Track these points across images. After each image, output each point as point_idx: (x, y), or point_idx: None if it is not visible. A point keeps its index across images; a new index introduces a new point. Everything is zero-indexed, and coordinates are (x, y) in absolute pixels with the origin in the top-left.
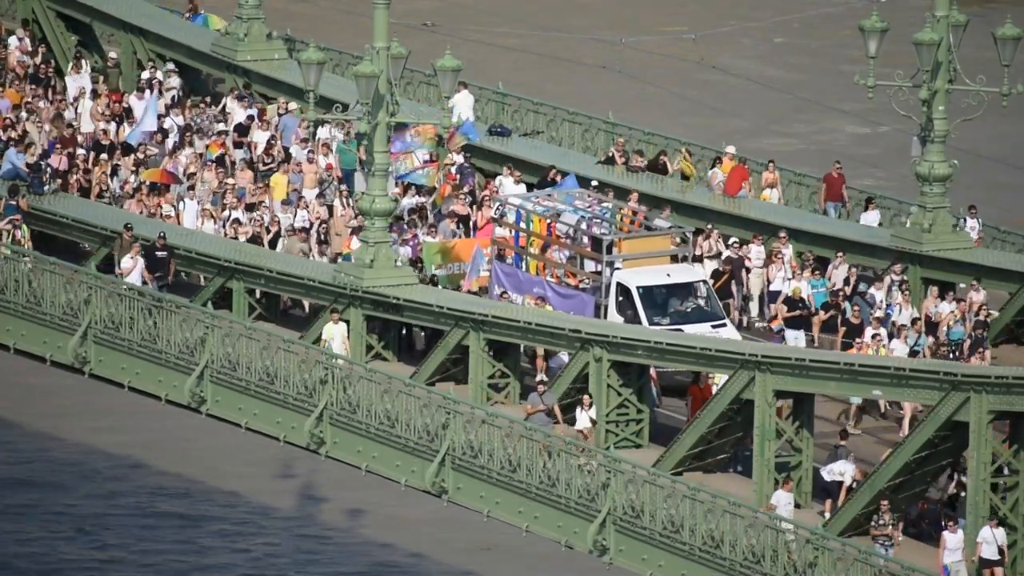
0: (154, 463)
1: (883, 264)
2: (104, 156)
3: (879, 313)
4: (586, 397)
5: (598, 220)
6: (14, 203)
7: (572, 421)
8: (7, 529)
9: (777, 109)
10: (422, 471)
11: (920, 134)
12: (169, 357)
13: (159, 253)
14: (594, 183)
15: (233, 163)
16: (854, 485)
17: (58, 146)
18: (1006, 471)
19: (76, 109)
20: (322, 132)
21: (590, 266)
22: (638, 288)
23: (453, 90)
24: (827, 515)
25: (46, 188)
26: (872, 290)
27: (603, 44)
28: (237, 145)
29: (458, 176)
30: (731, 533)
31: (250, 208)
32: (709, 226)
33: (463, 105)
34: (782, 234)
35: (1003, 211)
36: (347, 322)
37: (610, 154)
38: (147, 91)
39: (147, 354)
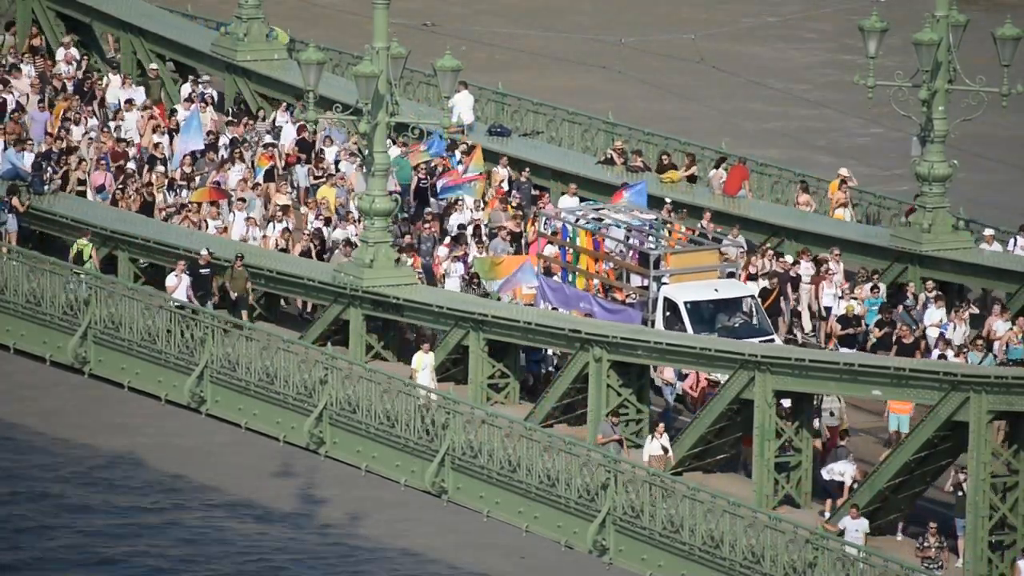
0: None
1: (883, 264)
2: (160, 168)
3: (935, 332)
4: (660, 425)
5: (645, 234)
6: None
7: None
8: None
9: (783, 109)
10: (422, 471)
11: (920, 134)
12: (169, 357)
13: (203, 270)
14: (668, 200)
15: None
16: (855, 486)
17: (102, 162)
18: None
19: (105, 122)
20: None
21: (636, 281)
22: (686, 303)
23: (453, 90)
24: (827, 515)
25: (46, 188)
26: (932, 307)
27: (603, 44)
28: (296, 161)
29: (512, 191)
30: (731, 533)
31: (328, 222)
32: (764, 243)
33: (463, 105)
34: (835, 250)
35: (1002, 211)
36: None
37: (608, 155)
38: (191, 104)
39: (147, 354)
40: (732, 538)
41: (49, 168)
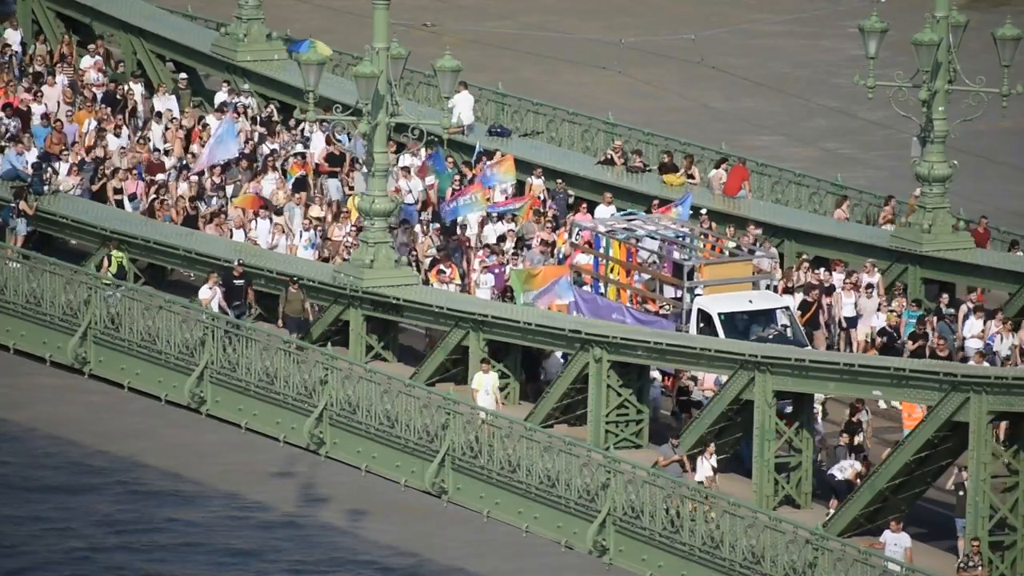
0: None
1: (883, 265)
2: (194, 178)
3: (979, 344)
4: (711, 446)
5: (678, 245)
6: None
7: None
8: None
9: (779, 110)
10: (422, 471)
11: (920, 134)
12: (169, 357)
13: (237, 281)
14: (704, 211)
15: (316, 185)
16: (859, 480)
17: (134, 171)
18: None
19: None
20: (403, 158)
21: (670, 292)
22: (719, 314)
23: (453, 90)
24: (830, 514)
25: (46, 188)
26: (973, 319)
27: (603, 44)
28: (331, 175)
29: (549, 201)
30: (731, 533)
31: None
32: (802, 256)
33: (463, 106)
34: (870, 262)
35: (1001, 210)
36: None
37: (608, 155)
38: (224, 114)
39: (147, 354)
40: (732, 538)
41: (49, 168)
